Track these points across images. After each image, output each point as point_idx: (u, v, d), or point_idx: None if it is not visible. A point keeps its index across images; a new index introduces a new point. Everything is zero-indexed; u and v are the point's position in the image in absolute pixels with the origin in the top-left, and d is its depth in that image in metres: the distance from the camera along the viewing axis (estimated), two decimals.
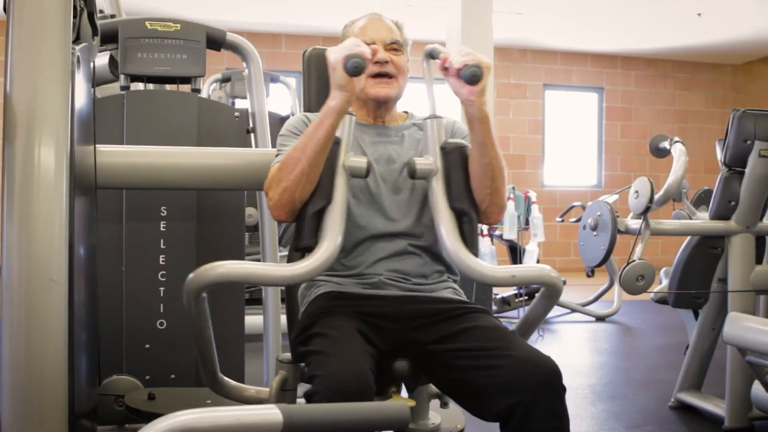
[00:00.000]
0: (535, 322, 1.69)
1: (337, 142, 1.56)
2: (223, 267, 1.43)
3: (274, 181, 1.57)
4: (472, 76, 1.47)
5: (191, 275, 1.44)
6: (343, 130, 1.58)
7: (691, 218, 3.62)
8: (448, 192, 1.57)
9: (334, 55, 1.51)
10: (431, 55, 1.64)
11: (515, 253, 5.30)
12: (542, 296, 1.63)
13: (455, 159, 1.59)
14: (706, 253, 3.00)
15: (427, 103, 1.64)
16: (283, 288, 1.90)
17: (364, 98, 1.78)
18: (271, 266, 1.45)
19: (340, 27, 1.86)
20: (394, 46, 1.76)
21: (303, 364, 1.60)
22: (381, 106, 1.79)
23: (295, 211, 1.56)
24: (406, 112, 1.89)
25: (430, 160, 1.59)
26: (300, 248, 1.52)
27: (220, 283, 1.43)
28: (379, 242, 1.69)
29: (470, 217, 1.57)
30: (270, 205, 1.58)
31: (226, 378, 1.83)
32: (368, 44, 1.74)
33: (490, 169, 1.58)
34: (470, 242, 1.55)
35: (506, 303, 5.49)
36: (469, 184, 1.59)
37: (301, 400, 1.47)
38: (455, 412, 1.89)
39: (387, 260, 1.69)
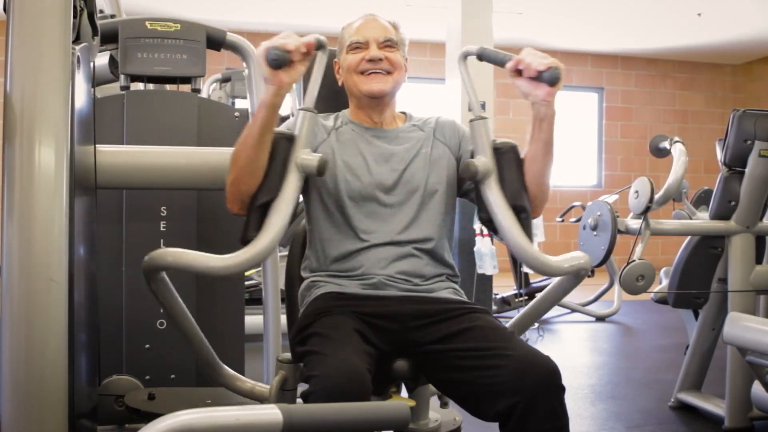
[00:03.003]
0: (550, 305, 1.77)
1: (290, 139, 1.58)
2: (170, 254, 1.52)
3: (227, 175, 1.61)
4: (554, 78, 1.53)
5: (146, 257, 1.55)
6: (300, 127, 1.59)
7: (691, 218, 3.63)
8: (503, 190, 1.61)
9: (260, 48, 1.53)
10: (480, 57, 1.64)
11: None
12: (565, 281, 1.70)
13: (510, 158, 1.63)
14: (706, 253, 3.01)
15: (470, 103, 1.66)
16: (283, 288, 1.90)
17: (358, 95, 1.78)
18: (209, 257, 1.51)
19: (340, 27, 1.86)
20: (389, 44, 1.77)
21: (302, 364, 1.60)
22: (376, 104, 1.79)
23: (245, 205, 1.58)
24: (404, 113, 1.89)
25: (486, 161, 1.61)
26: (244, 241, 1.54)
27: (165, 268, 1.54)
28: (379, 247, 1.69)
29: (527, 213, 1.61)
30: (226, 198, 1.62)
31: (227, 368, 1.85)
32: (362, 43, 1.76)
33: (549, 166, 1.64)
34: (530, 236, 1.60)
35: (506, 303, 5.49)
36: (523, 181, 1.63)
37: (299, 401, 1.47)
38: (452, 410, 1.90)
39: (388, 263, 1.68)
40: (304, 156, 1.57)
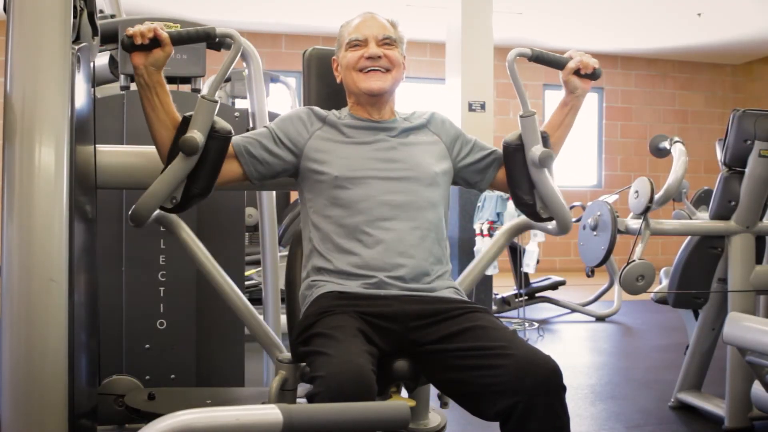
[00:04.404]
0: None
1: (186, 121, 1.66)
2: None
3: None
4: (598, 75, 1.82)
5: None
6: (196, 111, 1.66)
7: (691, 218, 3.62)
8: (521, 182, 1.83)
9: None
10: (538, 60, 1.77)
11: (515, 253, 5.29)
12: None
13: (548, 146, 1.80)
14: (706, 253, 3.00)
15: (518, 99, 1.79)
16: (283, 288, 1.90)
17: (357, 93, 1.79)
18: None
19: (339, 27, 1.87)
20: (387, 41, 1.78)
21: (303, 364, 1.60)
22: (375, 102, 1.80)
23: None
24: (396, 111, 1.90)
25: (544, 149, 1.77)
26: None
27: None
28: (377, 242, 1.69)
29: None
30: None
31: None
32: (361, 41, 1.77)
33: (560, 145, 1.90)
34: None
35: (506, 303, 5.49)
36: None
37: (301, 400, 1.47)
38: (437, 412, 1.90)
39: (386, 255, 1.68)
40: (188, 135, 1.63)
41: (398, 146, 1.77)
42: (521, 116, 1.77)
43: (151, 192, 1.66)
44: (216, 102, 1.66)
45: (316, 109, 1.83)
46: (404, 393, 1.77)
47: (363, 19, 1.82)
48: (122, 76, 2.14)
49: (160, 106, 1.66)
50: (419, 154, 1.78)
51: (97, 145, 1.82)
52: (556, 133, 1.85)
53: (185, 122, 1.66)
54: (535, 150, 1.75)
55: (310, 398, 1.38)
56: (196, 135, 1.61)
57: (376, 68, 1.76)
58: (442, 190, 1.80)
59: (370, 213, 1.70)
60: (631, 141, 9.83)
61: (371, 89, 1.76)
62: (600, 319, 5.66)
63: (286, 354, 1.66)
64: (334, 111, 1.84)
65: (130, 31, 1.60)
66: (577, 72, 1.79)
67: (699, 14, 7.86)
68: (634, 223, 3.10)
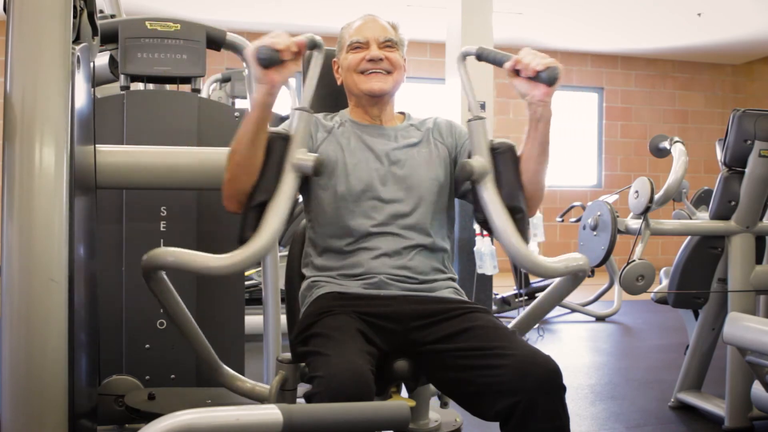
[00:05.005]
0: (550, 306, 1.78)
1: (285, 138, 1.57)
2: (169, 253, 1.53)
3: (224, 172, 1.61)
4: (553, 78, 1.53)
5: (145, 256, 1.55)
6: (296, 127, 1.59)
7: (691, 218, 3.63)
8: (500, 191, 1.60)
9: (250, 48, 1.53)
10: (479, 57, 1.64)
11: None
12: (567, 281, 1.69)
13: (506, 159, 1.62)
14: (706, 253, 3.00)
15: (468, 103, 1.66)
16: (283, 288, 1.90)
17: (358, 94, 1.79)
18: (203, 256, 1.51)
19: (339, 27, 1.87)
20: (388, 44, 1.78)
21: (303, 364, 1.60)
22: (376, 103, 1.79)
23: (241, 203, 1.58)
24: (402, 113, 1.89)
25: (483, 161, 1.60)
26: (240, 241, 1.54)
27: (164, 268, 1.56)
28: (378, 245, 1.69)
29: (523, 213, 1.60)
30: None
31: (222, 364, 1.85)
32: (362, 43, 1.77)
33: (545, 167, 1.63)
34: (525, 237, 1.59)
35: (506, 303, 5.49)
36: (520, 181, 1.62)
37: (300, 400, 1.47)
38: (452, 411, 1.90)
39: (388, 261, 1.69)
40: (300, 156, 1.56)
41: (401, 155, 1.76)
42: (468, 120, 1.65)
43: (273, 218, 1.53)
44: (312, 113, 1.62)
45: (319, 117, 1.81)
46: (404, 393, 1.77)
47: (364, 21, 1.82)
48: (122, 76, 2.14)
49: (264, 124, 1.57)
50: (422, 163, 1.77)
51: (97, 145, 1.82)
52: (525, 147, 1.64)
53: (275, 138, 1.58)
54: (470, 161, 1.60)
55: (309, 398, 1.38)
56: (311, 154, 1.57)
57: (378, 70, 1.76)
58: (446, 199, 1.80)
59: (372, 220, 1.70)
60: (631, 141, 9.83)
61: (372, 90, 1.76)
62: (600, 319, 5.66)
63: (286, 354, 1.66)
64: (336, 119, 1.83)
65: (279, 45, 1.49)
66: (536, 75, 1.55)
67: (699, 14, 7.86)
68: (634, 223, 3.10)
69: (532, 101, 1.58)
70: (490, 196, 1.59)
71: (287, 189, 1.55)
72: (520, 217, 1.59)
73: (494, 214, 1.58)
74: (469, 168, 1.59)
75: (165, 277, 1.63)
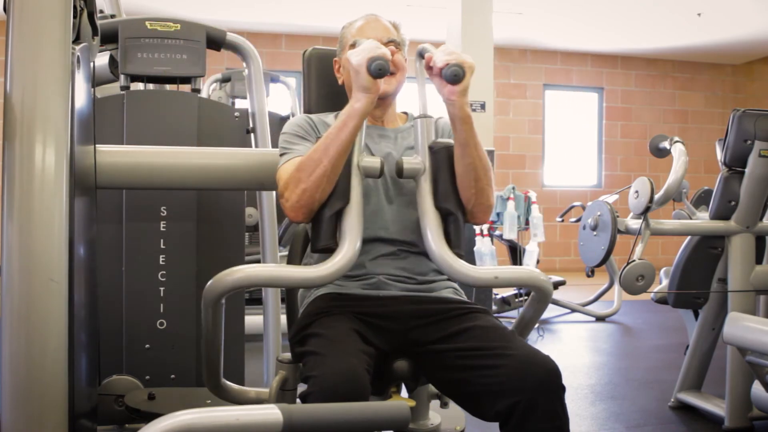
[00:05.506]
0: (529, 324, 1.70)
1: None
2: (244, 271, 1.43)
3: (291, 183, 1.56)
4: (453, 76, 1.47)
5: (210, 282, 1.45)
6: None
7: (691, 218, 3.63)
8: (435, 191, 1.57)
9: (357, 58, 1.51)
10: (421, 55, 1.62)
11: (515, 253, 5.30)
12: (532, 300, 1.62)
13: (442, 158, 1.59)
14: (706, 253, 3.01)
15: (418, 102, 1.64)
16: (283, 288, 1.90)
17: None
18: (293, 269, 1.46)
19: (340, 27, 1.86)
20: (391, 44, 1.77)
21: (301, 365, 1.60)
22: (379, 104, 1.79)
23: (313, 213, 1.56)
24: (405, 113, 1.89)
25: (417, 160, 1.59)
26: (319, 249, 1.52)
27: (241, 288, 1.44)
28: (379, 245, 1.69)
29: (456, 217, 1.56)
30: (287, 206, 1.57)
31: (228, 382, 1.83)
32: None
33: (472, 169, 1.58)
34: (455, 242, 1.54)
35: (506, 303, 5.49)
36: (455, 184, 1.59)
37: (298, 401, 1.47)
38: (455, 413, 1.89)
39: (388, 261, 1.69)
40: (367, 159, 1.57)
41: (399, 152, 1.76)
42: (414, 117, 1.64)
43: (357, 223, 1.52)
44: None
45: (321, 116, 1.81)
46: (404, 393, 1.77)
47: (367, 21, 1.81)
48: (122, 76, 2.14)
49: (357, 134, 1.56)
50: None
51: (97, 145, 1.82)
52: (456, 152, 1.59)
53: None
54: (401, 159, 1.59)
55: (304, 398, 1.38)
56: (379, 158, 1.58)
57: None
58: None
59: (371, 223, 1.70)
60: (631, 141, 9.83)
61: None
62: (600, 319, 5.66)
63: (286, 354, 1.66)
64: (336, 113, 1.82)
65: (389, 55, 1.50)
66: (440, 73, 1.51)
67: (699, 14, 7.86)
68: (634, 223, 3.10)
69: (444, 100, 1.55)
70: (420, 196, 1.58)
71: (359, 193, 1.55)
72: (452, 220, 1.56)
73: (422, 214, 1.56)
74: (399, 166, 1.58)
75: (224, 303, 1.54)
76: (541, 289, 1.56)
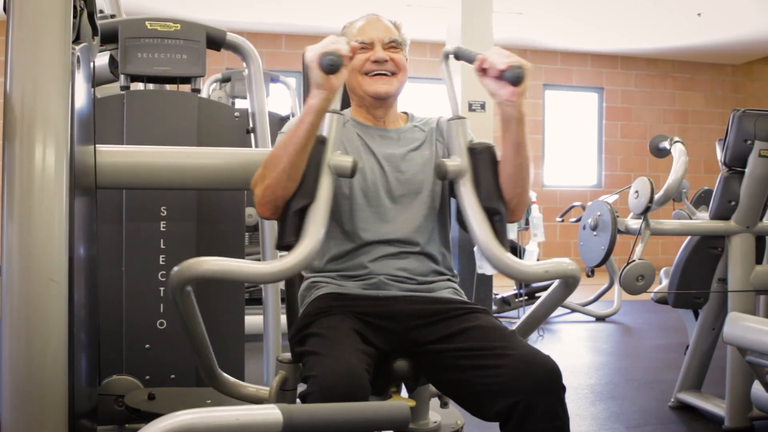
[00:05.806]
0: (547, 312, 1.71)
1: (322, 141, 1.57)
2: (205, 263, 1.43)
3: (258, 179, 1.59)
4: (516, 78, 1.48)
5: (174, 269, 1.46)
6: (329, 129, 1.58)
7: (691, 218, 3.63)
8: (478, 192, 1.58)
9: (310, 53, 1.51)
10: (456, 56, 1.63)
11: (515, 253, 5.28)
12: (560, 287, 1.63)
13: (484, 159, 1.60)
14: (706, 253, 3.01)
15: (449, 104, 1.64)
16: (283, 288, 1.90)
17: (362, 95, 1.78)
18: (250, 264, 1.46)
19: (340, 27, 1.86)
20: (393, 45, 1.77)
21: (301, 364, 1.61)
22: (380, 105, 1.79)
23: (279, 209, 1.57)
24: (405, 113, 1.89)
25: (458, 161, 1.59)
26: (281, 246, 1.53)
27: (201, 279, 1.44)
28: (380, 246, 1.69)
29: (501, 216, 1.58)
30: (255, 202, 1.60)
31: (224, 374, 1.84)
32: (366, 44, 1.75)
33: (522, 169, 1.59)
34: (503, 240, 1.56)
35: (506, 303, 5.49)
36: (498, 183, 1.60)
37: (298, 401, 1.47)
38: (455, 413, 1.89)
39: (389, 262, 1.69)
40: (338, 158, 1.56)
41: (403, 160, 1.76)
42: (448, 120, 1.66)
43: (318, 221, 1.52)
44: (343, 114, 1.62)
45: None
46: (404, 393, 1.77)
47: (368, 21, 1.81)
48: (122, 76, 2.14)
49: (316, 130, 1.56)
50: (423, 167, 1.76)
51: (97, 145, 1.82)
52: (501, 149, 1.61)
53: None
54: (446, 160, 1.60)
55: (304, 398, 1.38)
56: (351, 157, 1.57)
57: (383, 72, 1.74)
58: (447, 200, 1.79)
59: (372, 224, 1.70)
60: (631, 141, 9.83)
61: (378, 93, 1.75)
62: (600, 319, 5.66)
63: (286, 354, 1.66)
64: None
65: (343, 51, 1.49)
66: (500, 75, 1.52)
67: (699, 14, 7.86)
68: (634, 223, 3.10)
69: (500, 101, 1.55)
70: (467, 197, 1.58)
71: (326, 192, 1.54)
72: (498, 219, 1.57)
73: (470, 215, 1.56)
74: (444, 168, 1.59)
75: (191, 289, 1.55)
76: (574, 278, 1.57)
